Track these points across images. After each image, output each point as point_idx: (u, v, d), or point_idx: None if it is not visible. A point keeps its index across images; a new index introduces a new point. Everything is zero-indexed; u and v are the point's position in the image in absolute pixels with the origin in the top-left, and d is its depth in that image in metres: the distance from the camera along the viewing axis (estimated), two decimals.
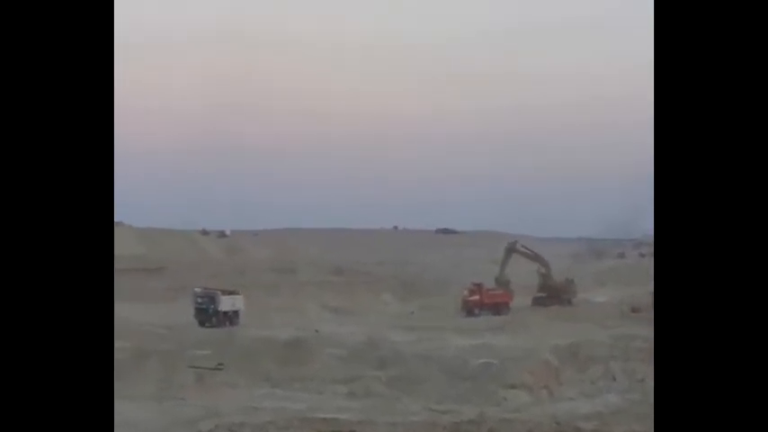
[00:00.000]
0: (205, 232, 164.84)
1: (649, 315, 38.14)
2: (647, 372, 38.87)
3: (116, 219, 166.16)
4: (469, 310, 76.06)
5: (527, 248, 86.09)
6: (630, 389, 40.50)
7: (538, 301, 79.14)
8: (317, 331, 58.34)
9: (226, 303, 67.79)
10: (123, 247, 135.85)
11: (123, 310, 70.02)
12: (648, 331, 30.56)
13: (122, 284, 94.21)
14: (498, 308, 75.74)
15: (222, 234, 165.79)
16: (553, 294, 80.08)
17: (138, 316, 67.58)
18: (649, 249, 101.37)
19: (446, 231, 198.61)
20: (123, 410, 34.87)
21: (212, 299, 67.99)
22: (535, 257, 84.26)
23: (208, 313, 66.69)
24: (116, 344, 52.25)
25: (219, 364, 43.07)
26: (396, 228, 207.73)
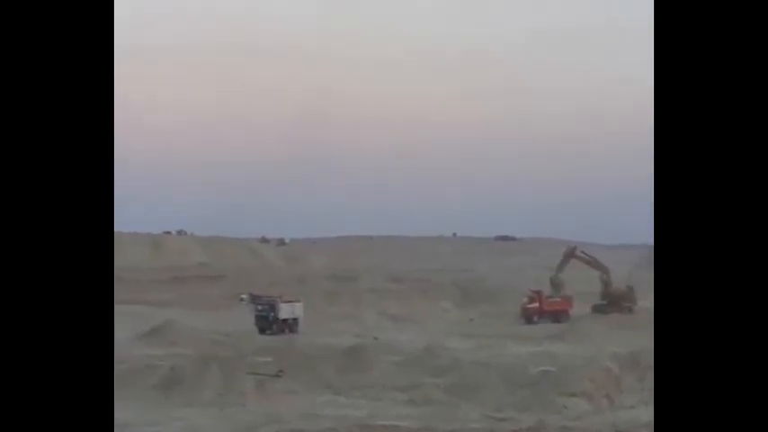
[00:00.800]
0: (265, 240, 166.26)
1: None
2: None
3: (180, 228, 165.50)
4: (529, 317, 75.75)
5: (586, 254, 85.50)
6: None
7: (598, 309, 78.49)
8: (375, 339, 58.53)
9: (285, 311, 68.41)
10: (187, 256, 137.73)
11: (185, 317, 70.99)
12: None
13: (185, 292, 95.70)
14: (558, 315, 75.32)
15: (281, 242, 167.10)
16: (613, 302, 79.35)
17: (200, 323, 68.39)
18: None
19: (505, 238, 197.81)
20: (186, 416, 35.33)
21: (272, 306, 68.64)
22: (594, 264, 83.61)
23: (268, 320, 67.30)
24: (178, 350, 53.12)
25: (279, 371, 43.40)
26: (454, 235, 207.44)
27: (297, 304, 70.11)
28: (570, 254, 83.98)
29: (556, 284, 79.90)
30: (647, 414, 35.82)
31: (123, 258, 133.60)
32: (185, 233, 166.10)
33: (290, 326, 66.99)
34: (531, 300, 77.52)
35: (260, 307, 69.62)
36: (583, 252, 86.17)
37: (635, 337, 55.82)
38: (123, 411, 34.58)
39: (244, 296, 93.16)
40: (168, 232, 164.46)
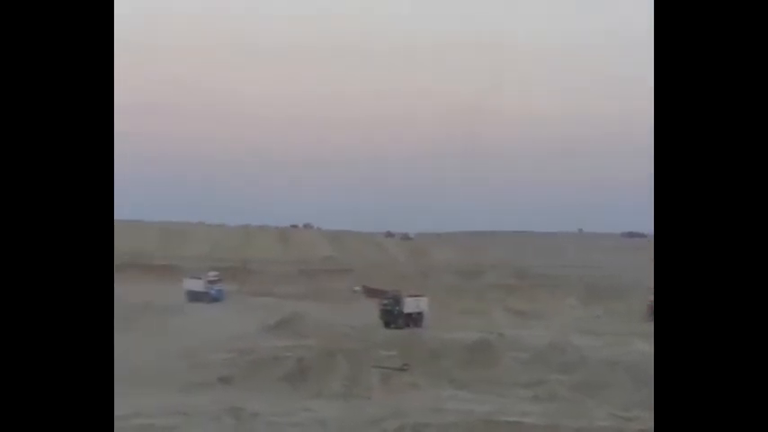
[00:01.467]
0: (390, 235, 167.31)
1: None
2: None
3: (305, 222, 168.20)
4: None
5: None
6: None
7: None
8: (500, 334, 58.36)
9: (410, 305, 68.98)
10: (314, 250, 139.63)
11: (312, 310, 72.05)
12: None
13: (312, 285, 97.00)
14: None
15: (406, 237, 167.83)
16: None
17: (326, 316, 69.35)
18: None
19: (632, 235, 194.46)
20: (312, 407, 35.91)
21: (397, 300, 69.31)
22: None
23: (393, 314, 67.91)
24: (305, 342, 54.00)
25: (405, 365, 43.68)
26: (580, 231, 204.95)
27: (421, 299, 70.67)
28: None
29: None
30: None
31: (253, 251, 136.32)
32: (312, 227, 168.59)
33: (414, 320, 67.43)
34: None
35: (385, 301, 70.39)
36: None
37: None
38: (253, 401, 35.40)
39: (357, 288, 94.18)
40: (295, 226, 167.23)
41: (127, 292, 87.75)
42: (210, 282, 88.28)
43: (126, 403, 33.05)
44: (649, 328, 68.78)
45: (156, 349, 51.27)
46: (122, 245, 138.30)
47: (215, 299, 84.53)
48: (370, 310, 71.14)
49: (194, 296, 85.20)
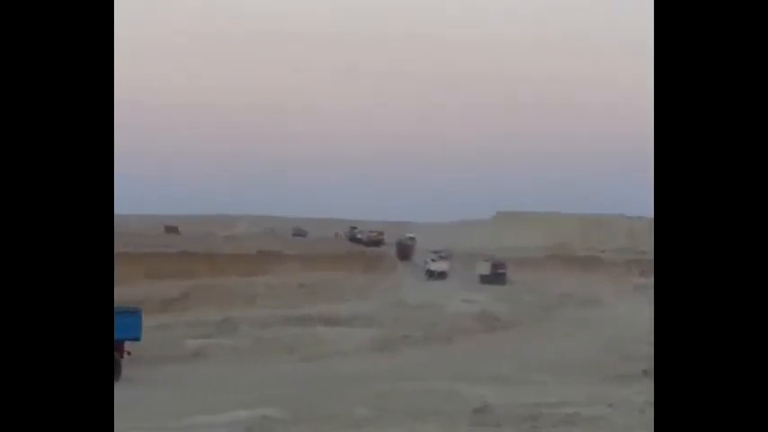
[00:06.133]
0: None
1: None
2: None
3: (613, 212, 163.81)
4: None
5: None
6: None
7: None
8: None
9: None
10: (615, 241, 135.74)
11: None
12: None
13: (609, 279, 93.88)
14: None
15: None
16: None
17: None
18: None
19: None
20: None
21: None
22: None
23: None
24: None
25: None
26: None
27: None
28: None
29: None
30: None
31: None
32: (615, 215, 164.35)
33: None
34: None
35: None
36: None
37: None
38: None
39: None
40: None
41: (551, 283, 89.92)
42: None
43: (553, 392, 34.18)
44: None
45: (582, 340, 52.30)
46: (543, 237, 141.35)
47: None
48: None
49: None
